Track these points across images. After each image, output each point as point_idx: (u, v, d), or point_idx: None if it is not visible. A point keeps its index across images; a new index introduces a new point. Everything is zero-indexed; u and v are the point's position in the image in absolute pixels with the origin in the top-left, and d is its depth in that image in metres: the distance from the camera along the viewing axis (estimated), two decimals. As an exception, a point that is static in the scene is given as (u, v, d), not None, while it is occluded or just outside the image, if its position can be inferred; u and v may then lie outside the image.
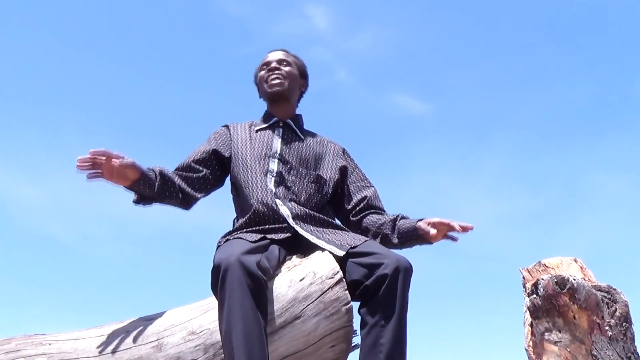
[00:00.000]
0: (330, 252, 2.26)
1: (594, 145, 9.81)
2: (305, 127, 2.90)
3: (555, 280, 2.61)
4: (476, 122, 10.36)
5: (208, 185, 2.70)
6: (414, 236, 2.46)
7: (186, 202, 2.64)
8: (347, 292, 2.15)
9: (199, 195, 2.67)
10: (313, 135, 2.86)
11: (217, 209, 2.73)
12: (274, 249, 2.30)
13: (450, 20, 10.39)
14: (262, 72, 2.83)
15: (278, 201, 2.49)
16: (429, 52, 10.65)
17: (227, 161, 2.71)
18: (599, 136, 9.84)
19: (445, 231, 2.42)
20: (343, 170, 2.78)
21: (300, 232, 2.39)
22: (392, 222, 2.59)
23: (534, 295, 2.66)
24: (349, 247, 2.26)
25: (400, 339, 2.08)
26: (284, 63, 2.82)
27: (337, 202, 2.75)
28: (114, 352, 2.14)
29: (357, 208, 2.71)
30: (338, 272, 2.17)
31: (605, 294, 2.63)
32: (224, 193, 2.77)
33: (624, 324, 2.60)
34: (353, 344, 2.20)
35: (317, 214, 2.51)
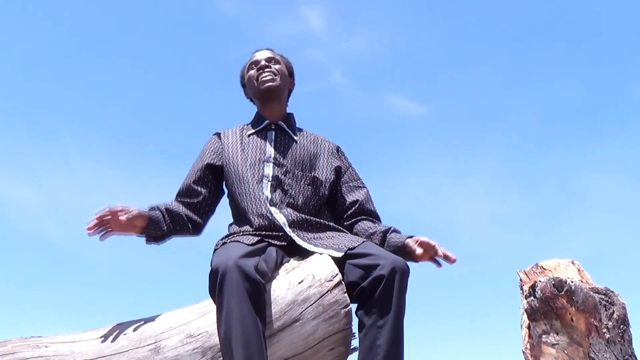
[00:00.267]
0: (329, 255, 2.26)
1: (590, 146, 9.84)
2: (298, 125, 2.87)
3: (553, 282, 2.60)
4: (471, 123, 10.37)
5: (212, 205, 2.71)
6: (402, 252, 2.43)
7: (196, 230, 2.65)
8: (346, 294, 2.14)
9: (207, 218, 2.70)
10: (306, 134, 2.82)
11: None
12: (272, 251, 2.29)
13: (445, 21, 10.40)
14: (252, 72, 2.78)
15: (273, 209, 2.47)
16: (424, 53, 10.66)
17: (220, 170, 2.69)
18: (594, 137, 9.87)
19: (431, 253, 2.40)
20: (338, 171, 2.75)
21: (297, 240, 2.37)
22: (382, 233, 2.57)
23: (532, 298, 2.65)
24: (347, 248, 2.25)
25: (397, 340, 2.07)
26: (273, 61, 2.80)
27: (331, 202, 2.72)
28: (111, 354, 2.13)
29: (349, 212, 2.69)
30: (337, 274, 2.16)
31: (603, 297, 2.63)
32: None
33: (622, 326, 2.59)
34: (352, 347, 2.19)
35: (314, 219, 2.49)
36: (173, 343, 2.12)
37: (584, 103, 9.98)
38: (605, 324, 2.58)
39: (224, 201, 2.73)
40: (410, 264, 2.21)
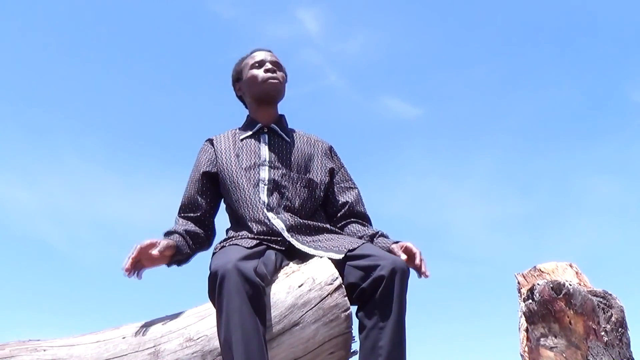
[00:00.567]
0: (329, 258, 2.25)
1: (585, 148, 9.86)
2: (290, 126, 2.85)
3: (551, 285, 2.61)
4: (467, 126, 10.39)
5: (215, 214, 2.71)
6: None
7: (211, 242, 2.66)
8: (346, 298, 2.13)
9: (214, 227, 2.70)
10: (299, 135, 2.80)
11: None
12: (271, 254, 2.28)
13: (441, 24, 10.42)
14: (256, 71, 2.72)
15: (271, 215, 2.46)
16: (420, 56, 10.67)
17: (216, 177, 2.67)
18: (589, 139, 9.90)
19: (413, 261, 2.39)
20: (331, 172, 2.75)
21: (296, 245, 2.37)
22: (370, 237, 2.56)
23: (530, 301, 2.66)
24: (347, 250, 2.25)
25: (399, 341, 2.07)
26: (277, 66, 2.76)
27: (323, 203, 2.71)
28: (110, 358, 2.13)
29: (339, 214, 2.69)
30: (337, 278, 2.15)
31: (601, 299, 2.63)
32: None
33: (620, 329, 2.60)
34: (352, 350, 2.18)
35: (312, 222, 2.49)
36: (172, 347, 2.11)
37: (578, 105, 10.01)
38: (604, 327, 2.58)
39: (222, 205, 2.72)
40: None
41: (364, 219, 2.70)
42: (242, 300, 1.96)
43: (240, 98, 2.88)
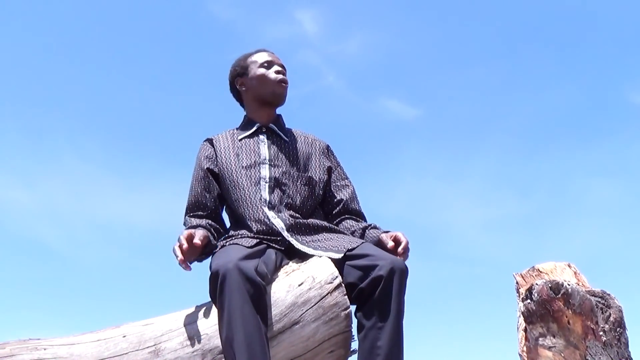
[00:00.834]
0: (328, 257, 2.27)
1: (583, 149, 9.89)
2: (290, 126, 2.88)
3: (550, 285, 2.62)
4: (465, 127, 10.42)
5: (221, 211, 2.71)
6: (378, 247, 2.44)
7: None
8: (346, 297, 2.15)
9: (224, 222, 2.71)
10: (296, 134, 2.83)
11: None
12: (271, 253, 2.30)
13: (439, 25, 10.44)
14: (265, 71, 2.73)
15: (271, 214, 2.48)
16: (418, 56, 10.70)
17: (217, 175, 2.68)
18: (587, 140, 9.92)
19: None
20: (329, 170, 2.78)
21: (296, 245, 2.38)
22: (362, 230, 2.61)
23: (528, 300, 2.67)
24: (346, 250, 2.27)
25: (397, 341, 2.09)
26: (285, 70, 2.78)
27: (320, 201, 2.74)
28: (110, 357, 2.14)
29: (334, 211, 2.72)
30: (337, 277, 2.17)
31: (600, 299, 2.65)
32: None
33: (618, 329, 2.61)
34: (351, 349, 2.20)
35: (311, 221, 2.51)
36: (173, 345, 2.13)
37: (577, 106, 10.04)
38: (602, 327, 2.60)
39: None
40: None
41: (358, 216, 2.73)
42: (243, 299, 1.98)
43: (237, 94, 2.88)
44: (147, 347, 2.14)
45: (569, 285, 2.62)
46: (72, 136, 9.77)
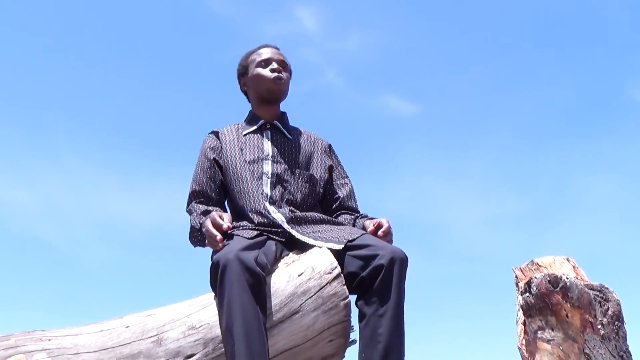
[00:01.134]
0: (329, 248, 2.32)
1: (582, 146, 9.91)
2: (292, 124, 2.93)
3: (548, 278, 2.65)
4: (465, 124, 10.45)
5: (225, 200, 2.77)
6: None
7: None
8: (345, 287, 2.20)
9: (227, 210, 2.75)
10: (300, 132, 2.89)
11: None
12: (271, 244, 2.35)
13: (439, 22, 10.48)
14: (262, 70, 2.79)
15: (272, 208, 2.53)
16: (418, 53, 10.74)
17: (220, 167, 2.74)
18: (587, 137, 9.95)
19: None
20: (330, 169, 2.84)
21: (296, 235, 2.43)
22: (353, 220, 2.69)
23: (527, 294, 2.70)
24: (347, 240, 2.32)
25: (398, 328, 2.14)
26: (283, 66, 2.82)
27: (320, 199, 2.80)
28: (114, 347, 2.19)
29: (331, 208, 2.79)
30: (336, 267, 2.22)
31: (598, 293, 2.68)
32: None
33: (616, 322, 2.64)
34: (350, 340, 2.25)
35: (311, 214, 2.56)
36: (175, 335, 2.18)
37: (577, 103, 10.07)
38: (600, 320, 2.62)
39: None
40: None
41: (354, 212, 2.80)
42: (243, 289, 2.04)
43: (245, 92, 2.95)
44: (150, 337, 2.20)
45: (567, 278, 2.66)
46: (73, 135, 9.84)
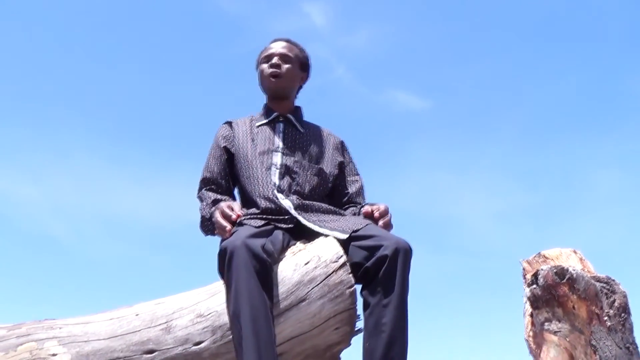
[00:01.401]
0: (334, 237, 2.37)
1: (591, 141, 9.93)
2: (305, 119, 2.99)
3: (555, 270, 2.68)
4: (474, 118, 10.50)
5: (234, 188, 2.85)
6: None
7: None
8: (350, 275, 2.24)
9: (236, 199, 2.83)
10: (313, 127, 2.95)
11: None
12: (278, 233, 2.40)
13: (448, 16, 10.52)
14: (264, 65, 2.88)
15: (280, 195, 2.59)
16: (427, 48, 10.79)
17: (232, 156, 2.82)
18: (596, 132, 9.97)
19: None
20: (341, 165, 2.90)
21: (303, 222, 2.49)
22: (358, 209, 2.75)
23: (534, 286, 2.73)
24: (352, 230, 2.37)
25: (401, 318, 2.18)
26: (285, 59, 2.87)
27: (329, 194, 2.85)
28: (123, 334, 2.25)
29: (340, 203, 2.85)
30: (342, 256, 2.27)
31: (604, 285, 2.71)
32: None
33: (623, 314, 2.66)
34: (356, 329, 2.29)
35: (318, 203, 2.62)
36: (184, 322, 2.24)
37: (585, 98, 10.09)
38: (607, 312, 2.65)
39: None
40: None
41: (359, 205, 2.85)
42: (250, 275, 2.09)
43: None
44: (159, 325, 2.26)
45: (573, 270, 2.68)
46: (81, 131, 9.93)
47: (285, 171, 2.68)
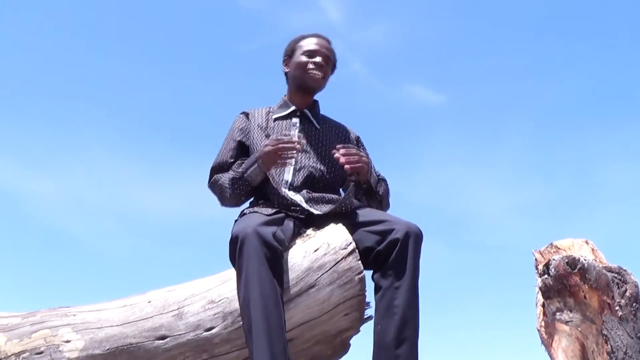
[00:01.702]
0: (340, 220, 2.42)
1: (608, 135, 9.87)
2: (322, 112, 3.03)
3: (566, 260, 2.71)
4: (490, 112, 10.48)
5: None
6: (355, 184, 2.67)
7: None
8: (359, 262, 2.29)
9: None
10: (329, 122, 2.99)
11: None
12: (289, 222, 2.46)
13: (463, 10, 10.49)
14: (305, 59, 2.90)
15: (291, 192, 2.63)
16: (443, 42, 10.76)
17: (246, 148, 2.86)
18: (613, 126, 9.91)
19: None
20: None
21: (315, 213, 2.53)
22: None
23: (546, 276, 2.76)
24: (346, 204, 2.45)
25: (413, 300, 2.23)
26: (327, 61, 2.93)
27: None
28: (136, 320, 2.32)
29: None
30: (351, 243, 2.32)
31: (616, 275, 2.72)
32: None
33: (634, 304, 2.67)
34: (366, 316, 2.34)
35: (329, 195, 2.66)
36: (195, 309, 2.31)
37: (601, 91, 10.03)
38: (618, 302, 2.67)
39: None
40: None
41: None
42: (260, 262, 2.15)
43: (285, 74, 3.05)
44: (171, 311, 2.32)
45: (585, 260, 2.71)
46: (96, 126, 10.00)
47: (299, 168, 2.72)
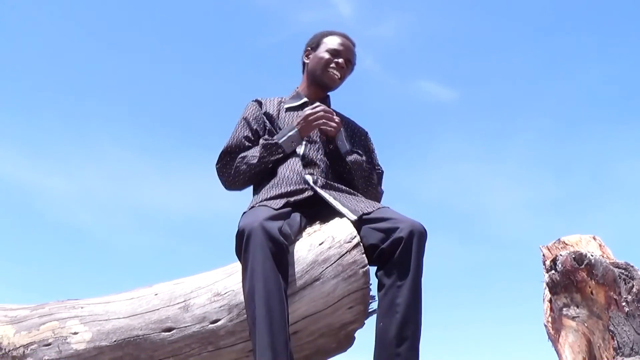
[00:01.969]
0: (345, 216, 2.46)
1: (621, 131, 9.90)
2: (333, 108, 3.04)
3: (573, 256, 2.74)
4: (502, 108, 10.53)
5: None
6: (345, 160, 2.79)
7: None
8: (364, 255, 2.33)
9: None
10: (339, 116, 2.98)
11: (239, 195, 2.94)
12: (296, 216, 2.50)
13: (475, 6, 10.53)
14: (327, 56, 2.96)
15: (303, 170, 2.71)
16: (455, 38, 10.83)
17: (257, 133, 2.90)
18: (626, 122, 9.94)
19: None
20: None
21: (319, 192, 2.59)
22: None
23: (553, 271, 2.79)
24: (362, 213, 2.46)
25: (415, 299, 2.26)
26: (349, 65, 3.01)
27: (349, 183, 2.90)
28: (143, 313, 2.38)
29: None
30: (355, 236, 2.36)
31: (623, 271, 2.76)
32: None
33: None
34: (370, 310, 2.38)
35: (336, 184, 2.71)
36: (201, 301, 2.36)
37: (614, 88, 10.05)
38: (625, 298, 2.70)
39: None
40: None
41: None
42: (265, 257, 2.19)
43: (304, 64, 3.12)
44: (178, 303, 2.37)
45: (592, 256, 2.74)
46: (110, 123, 10.13)
47: (308, 161, 2.77)
